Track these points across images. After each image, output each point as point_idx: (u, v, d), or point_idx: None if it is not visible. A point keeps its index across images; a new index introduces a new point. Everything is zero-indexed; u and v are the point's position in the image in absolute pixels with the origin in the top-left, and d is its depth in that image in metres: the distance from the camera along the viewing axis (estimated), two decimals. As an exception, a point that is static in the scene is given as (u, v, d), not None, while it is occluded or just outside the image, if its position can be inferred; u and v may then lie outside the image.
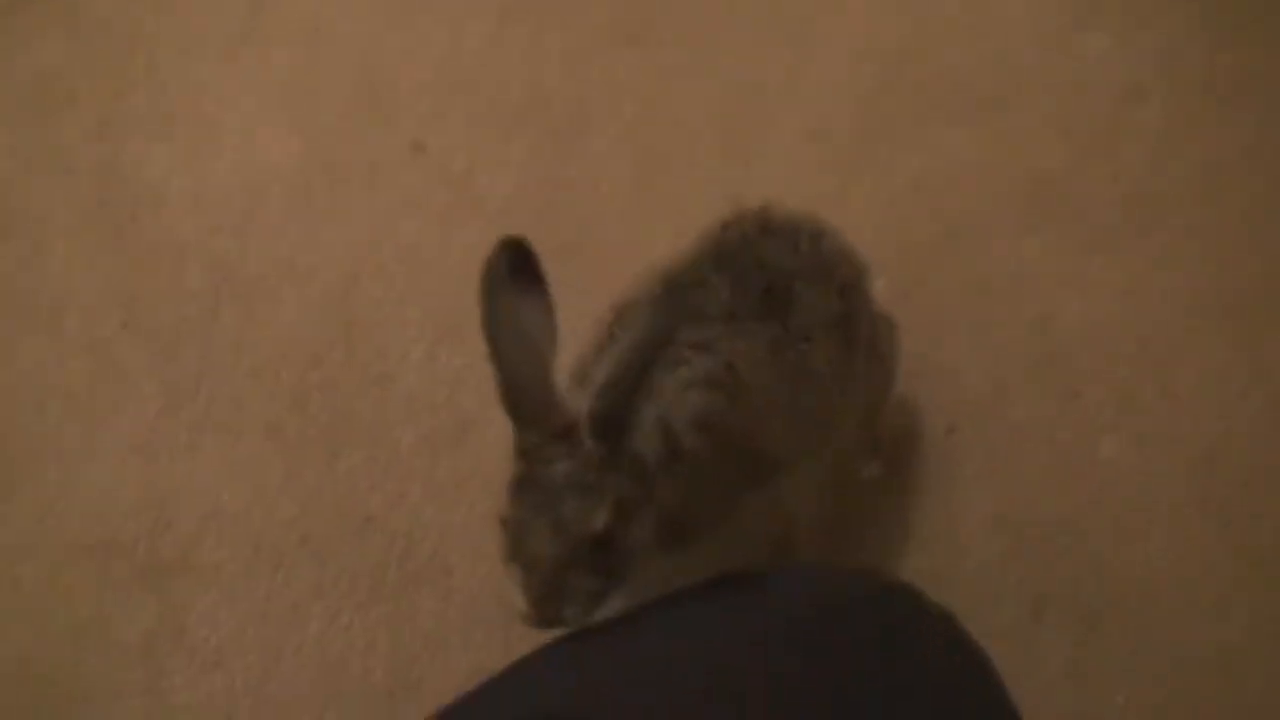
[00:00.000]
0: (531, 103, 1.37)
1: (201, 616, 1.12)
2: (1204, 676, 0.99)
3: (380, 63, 1.41)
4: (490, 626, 1.08)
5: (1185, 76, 1.27)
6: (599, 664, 0.70)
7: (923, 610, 0.72)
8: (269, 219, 1.33)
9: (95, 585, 1.14)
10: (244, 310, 1.27)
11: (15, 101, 1.43)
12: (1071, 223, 1.21)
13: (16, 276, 1.32)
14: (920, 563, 1.07)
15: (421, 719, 0.65)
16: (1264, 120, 1.23)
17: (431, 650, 1.09)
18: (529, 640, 0.73)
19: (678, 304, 0.91)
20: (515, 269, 0.78)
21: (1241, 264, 1.16)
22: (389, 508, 1.15)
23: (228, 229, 1.32)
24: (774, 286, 0.94)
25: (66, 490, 1.19)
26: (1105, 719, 0.99)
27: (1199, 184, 1.21)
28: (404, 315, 1.25)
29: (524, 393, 0.77)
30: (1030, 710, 0.67)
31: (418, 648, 1.09)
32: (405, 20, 1.44)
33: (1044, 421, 1.12)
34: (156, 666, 1.10)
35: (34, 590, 1.15)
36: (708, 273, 0.94)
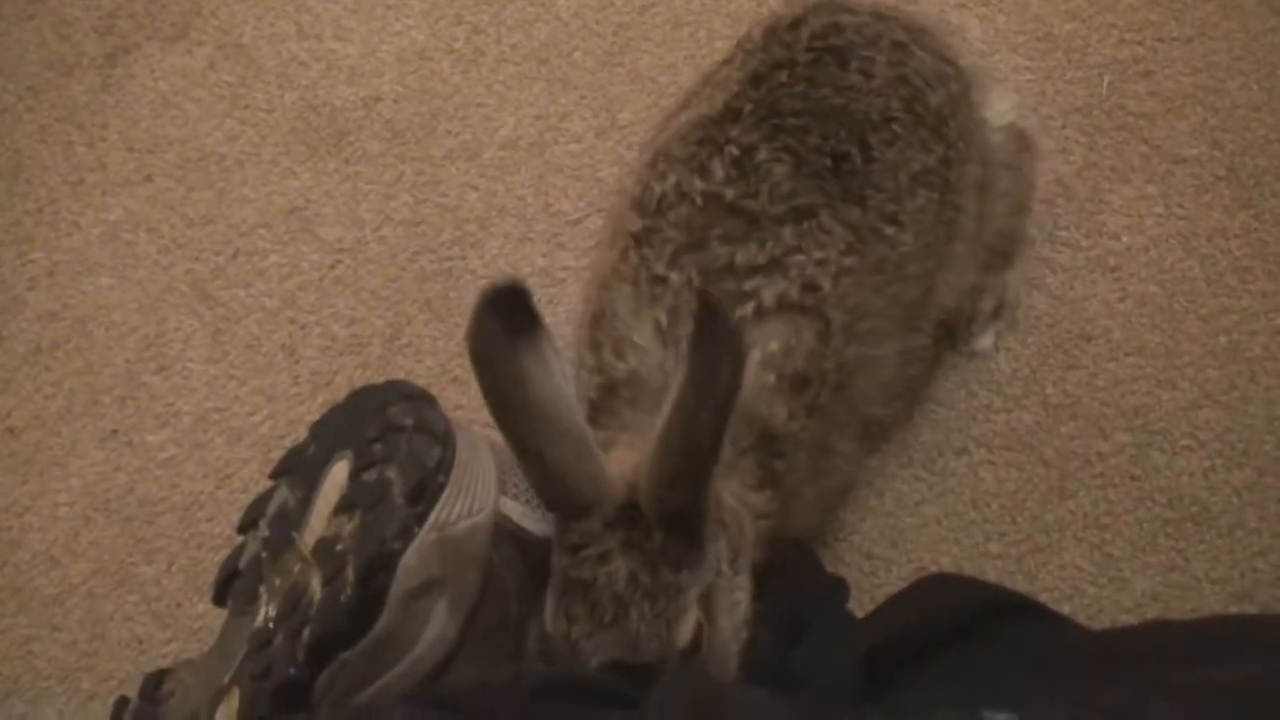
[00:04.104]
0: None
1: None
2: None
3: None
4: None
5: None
6: None
7: None
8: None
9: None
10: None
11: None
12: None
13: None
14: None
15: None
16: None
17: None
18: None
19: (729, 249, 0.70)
20: (512, 319, 0.60)
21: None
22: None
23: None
24: (844, 150, 0.70)
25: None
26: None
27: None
28: None
29: (566, 480, 0.59)
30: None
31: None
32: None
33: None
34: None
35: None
36: (753, 138, 0.70)
